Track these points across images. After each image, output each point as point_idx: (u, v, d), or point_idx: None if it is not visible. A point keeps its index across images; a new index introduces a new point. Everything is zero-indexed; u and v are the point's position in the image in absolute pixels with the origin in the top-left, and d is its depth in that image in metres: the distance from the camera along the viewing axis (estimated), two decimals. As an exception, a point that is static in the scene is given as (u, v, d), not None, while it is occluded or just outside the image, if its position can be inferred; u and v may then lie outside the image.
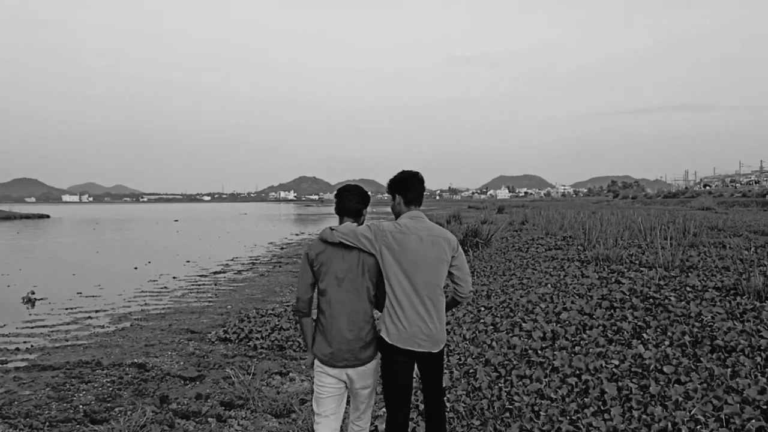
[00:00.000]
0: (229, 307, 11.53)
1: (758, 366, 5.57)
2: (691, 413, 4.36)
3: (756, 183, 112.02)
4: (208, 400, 5.97)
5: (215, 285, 14.87)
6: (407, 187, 3.71)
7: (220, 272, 17.57)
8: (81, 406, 5.84)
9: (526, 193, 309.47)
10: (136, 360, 7.61)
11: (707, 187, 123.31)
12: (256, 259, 21.04)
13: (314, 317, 3.69)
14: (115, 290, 14.05)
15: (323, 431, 3.66)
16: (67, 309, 11.65)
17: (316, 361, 3.62)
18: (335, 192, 3.90)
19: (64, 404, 5.92)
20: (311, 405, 5.67)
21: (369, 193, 3.92)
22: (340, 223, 3.75)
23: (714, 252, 15.34)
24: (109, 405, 5.89)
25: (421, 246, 3.52)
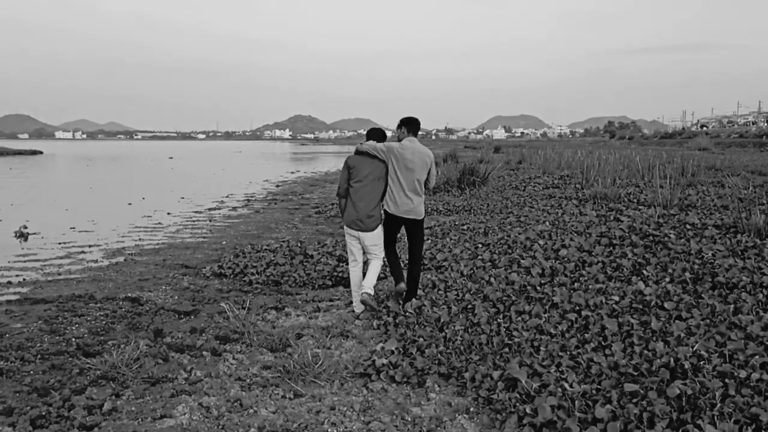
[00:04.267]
0: (224, 242, 11.42)
1: (759, 303, 5.51)
2: (694, 349, 4.29)
3: (753, 124, 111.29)
4: (203, 334, 5.90)
5: (210, 221, 14.73)
6: (410, 124, 6.31)
7: (214, 209, 17.41)
8: (74, 339, 5.75)
9: (522, 133, 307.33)
10: (129, 294, 7.52)
11: (704, 128, 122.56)
12: (251, 197, 20.85)
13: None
14: (108, 225, 13.90)
15: (353, 269, 6.43)
16: (60, 243, 11.52)
17: (345, 225, 6.28)
18: (367, 131, 6.64)
19: (57, 337, 5.84)
20: (307, 339, 5.63)
21: (382, 129, 6.51)
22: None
23: (713, 191, 15.25)
24: (102, 338, 5.81)
25: (413, 157, 6.10)
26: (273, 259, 8.69)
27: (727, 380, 3.78)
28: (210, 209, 17.29)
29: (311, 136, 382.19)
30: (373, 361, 4.76)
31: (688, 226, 9.07)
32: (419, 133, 6.39)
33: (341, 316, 6.39)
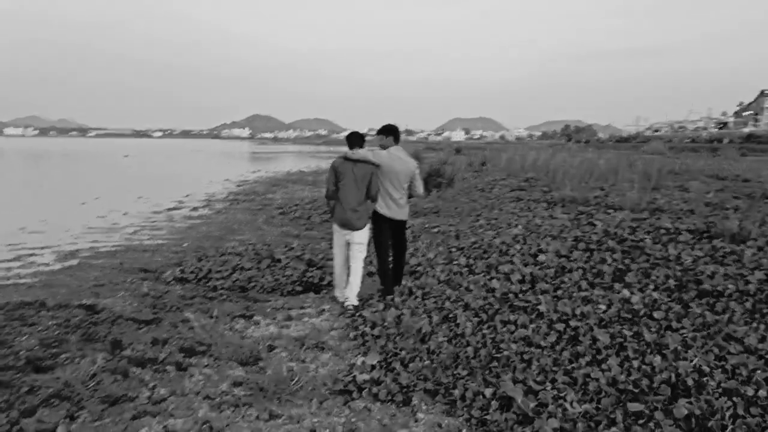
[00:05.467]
0: (185, 245, 10.92)
1: (748, 311, 5.36)
2: (693, 363, 4.08)
3: (704, 129, 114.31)
4: (166, 346, 5.46)
5: (169, 222, 14.17)
6: (393, 132, 6.87)
7: (174, 209, 16.82)
8: (23, 352, 5.26)
9: (481, 135, 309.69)
10: (84, 301, 7.02)
11: (657, 133, 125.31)
12: (211, 196, 20.26)
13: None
14: (61, 226, 13.23)
15: (337, 259, 6.80)
16: (8, 245, 10.86)
17: (334, 223, 6.70)
18: (347, 135, 6.90)
19: (4, 349, 5.33)
20: (280, 351, 5.27)
21: (357, 133, 6.91)
22: (350, 149, 6.66)
23: (678, 195, 15.32)
24: (54, 351, 5.33)
25: (399, 165, 6.64)
26: (239, 263, 8.29)
27: (734, 398, 3.57)
28: (169, 209, 16.70)
29: (270, 135, 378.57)
30: (354, 376, 4.44)
31: (662, 231, 8.96)
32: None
33: (314, 326, 6.04)
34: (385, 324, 5.51)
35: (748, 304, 5.46)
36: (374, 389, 4.26)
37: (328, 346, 5.40)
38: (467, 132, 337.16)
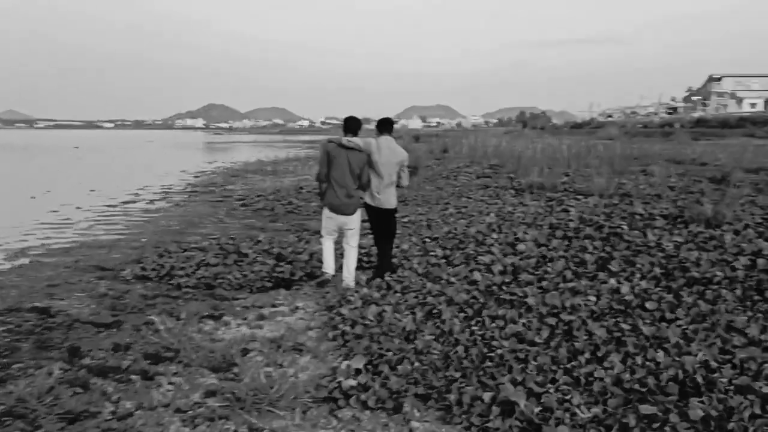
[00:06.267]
0: (144, 240, 10.40)
1: (739, 299, 5.20)
2: (698, 357, 3.86)
3: (655, 114, 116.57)
4: (130, 353, 5.03)
5: (126, 216, 13.57)
6: (384, 124, 6.99)
7: (130, 202, 16.17)
8: (-30, 364, 4.80)
9: (438, 123, 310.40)
10: (37, 304, 6.51)
11: (610, 118, 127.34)
12: (168, 188, 19.60)
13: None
14: (8, 222, 12.52)
15: (326, 242, 6.88)
16: (-49, 244, 10.19)
17: (325, 209, 6.75)
18: (344, 119, 6.92)
19: (-53, 362, 4.86)
20: (255, 355, 4.91)
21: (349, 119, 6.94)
22: (345, 134, 6.72)
23: (642, 179, 15.33)
24: (5, 361, 4.88)
25: (388, 156, 6.74)
26: (203, 258, 7.86)
27: (748, 396, 3.36)
28: (125, 202, 16.04)
29: (226, 125, 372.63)
30: (339, 382, 4.10)
31: (637, 216, 8.83)
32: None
33: (289, 325, 5.68)
34: (366, 322, 5.19)
35: (738, 292, 5.31)
36: (362, 396, 3.94)
37: (306, 348, 5.06)
38: (424, 120, 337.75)
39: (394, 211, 6.96)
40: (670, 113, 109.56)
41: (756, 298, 5.19)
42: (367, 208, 6.86)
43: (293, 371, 4.57)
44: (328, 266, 6.87)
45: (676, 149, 32.27)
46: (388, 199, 6.81)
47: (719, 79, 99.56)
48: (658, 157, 24.65)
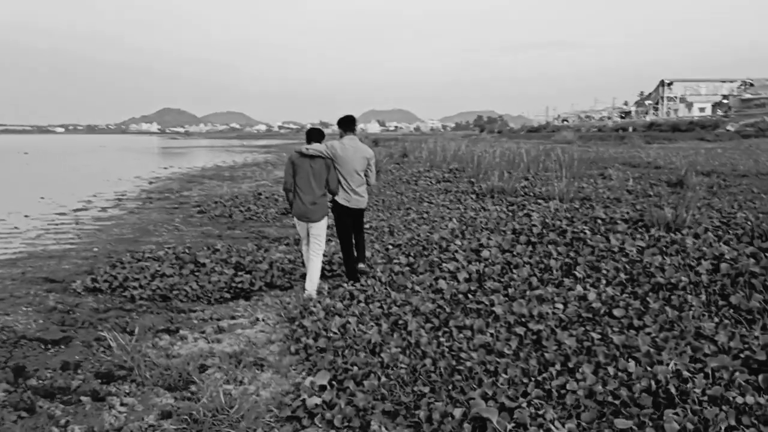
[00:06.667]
0: (96, 249, 10.01)
1: (704, 304, 5.19)
2: (669, 366, 3.80)
3: (609, 118, 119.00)
4: (80, 372, 4.76)
5: (77, 224, 13.09)
6: (347, 123, 6.96)
7: (81, 209, 15.64)
8: None
9: (396, 127, 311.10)
10: (-20, 319, 6.17)
11: (565, 122, 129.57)
12: (122, 195, 19.05)
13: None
14: (-48, 232, 11.97)
15: (305, 247, 6.93)
16: None
17: (294, 217, 6.85)
18: (306, 130, 7.13)
19: None
20: (213, 372, 4.69)
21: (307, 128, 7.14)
22: (308, 143, 6.79)
23: (601, 183, 15.50)
24: (-57, 384, 4.56)
25: (353, 155, 6.77)
26: (158, 269, 7.56)
27: (723, 407, 3.30)
28: (76, 210, 15.50)
29: (182, 129, 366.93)
30: (303, 400, 3.91)
31: (599, 221, 8.84)
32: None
33: (249, 339, 5.47)
34: (330, 335, 5.01)
35: (702, 297, 5.30)
36: (327, 414, 3.76)
37: (268, 363, 4.86)
38: (382, 124, 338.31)
39: (364, 210, 7.22)
40: (623, 117, 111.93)
41: (721, 303, 5.18)
42: (340, 209, 6.87)
43: (254, 388, 4.37)
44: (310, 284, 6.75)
45: (631, 153, 32.93)
46: (361, 199, 6.95)
47: (670, 84, 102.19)
48: (614, 161, 25.06)
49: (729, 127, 60.06)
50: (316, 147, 6.67)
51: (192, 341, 5.44)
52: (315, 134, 6.96)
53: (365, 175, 6.96)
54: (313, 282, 6.68)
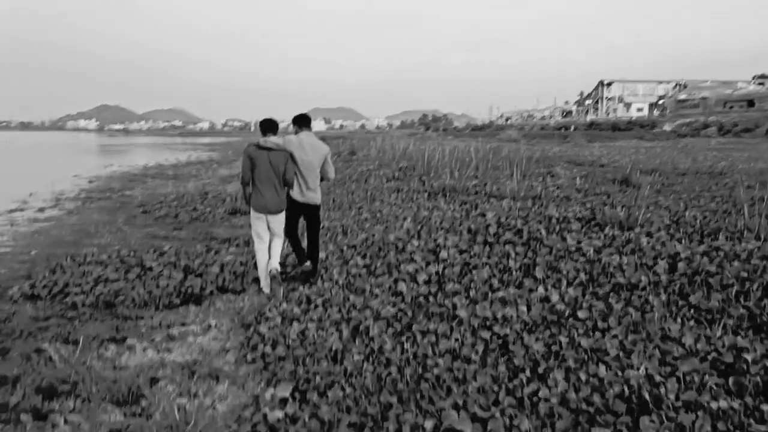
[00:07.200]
0: (33, 252, 9.49)
1: (665, 304, 5.20)
2: (639, 371, 3.75)
3: (551, 117, 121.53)
4: (18, 387, 4.42)
5: (11, 226, 12.44)
6: (302, 120, 7.01)
7: (16, 210, 14.90)
8: None
9: (341, 125, 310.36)
10: None
11: (509, 121, 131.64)
12: (60, 195, 18.26)
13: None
14: None
15: (260, 245, 6.87)
16: None
17: (252, 210, 6.80)
18: (260, 122, 6.96)
19: None
20: (165, 384, 4.42)
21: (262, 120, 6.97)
22: (263, 135, 6.76)
23: (550, 182, 15.65)
24: None
25: (310, 150, 6.82)
26: (102, 273, 7.18)
27: (698, 412, 3.25)
28: (10, 211, 14.75)
29: (121, 127, 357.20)
30: (264, 414, 3.70)
31: (553, 220, 8.87)
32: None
33: (203, 347, 5.20)
34: (289, 342, 4.81)
35: (663, 297, 5.31)
36: (290, 429, 3.56)
37: (223, 373, 4.61)
38: (328, 122, 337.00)
39: (320, 206, 7.28)
40: (564, 116, 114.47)
41: (681, 303, 5.20)
42: (294, 204, 6.92)
43: (210, 402, 4.13)
44: (264, 279, 6.84)
45: (575, 151, 33.58)
46: (316, 194, 6.99)
47: (609, 84, 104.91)
48: (559, 159, 25.47)
49: (666, 127, 62.07)
50: (273, 140, 6.67)
51: (141, 351, 5.15)
52: (270, 126, 6.88)
53: (323, 171, 7.01)
54: (275, 258, 6.85)
